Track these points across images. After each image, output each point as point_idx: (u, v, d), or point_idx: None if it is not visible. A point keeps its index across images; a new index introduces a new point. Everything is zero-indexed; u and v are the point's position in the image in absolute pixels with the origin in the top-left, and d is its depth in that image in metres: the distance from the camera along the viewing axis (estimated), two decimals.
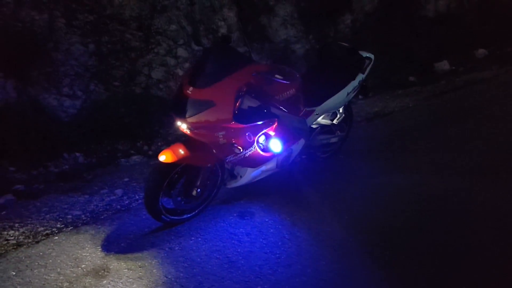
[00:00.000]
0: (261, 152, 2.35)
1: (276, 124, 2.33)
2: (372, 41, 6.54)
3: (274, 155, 2.48)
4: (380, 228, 2.24)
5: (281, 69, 2.35)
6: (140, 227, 2.50)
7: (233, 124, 2.14)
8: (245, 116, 2.14)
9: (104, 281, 1.99)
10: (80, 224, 2.61)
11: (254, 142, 2.29)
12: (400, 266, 1.92)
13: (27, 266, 2.15)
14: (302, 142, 2.68)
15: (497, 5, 8.06)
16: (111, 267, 2.10)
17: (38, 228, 2.59)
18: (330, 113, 2.93)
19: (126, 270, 2.07)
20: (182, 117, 2.12)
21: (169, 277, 1.99)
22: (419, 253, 1.99)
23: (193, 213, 2.52)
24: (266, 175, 2.64)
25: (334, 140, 3.07)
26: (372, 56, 3.05)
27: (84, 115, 4.17)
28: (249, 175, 2.51)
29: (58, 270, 2.10)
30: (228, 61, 2.17)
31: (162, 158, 2.16)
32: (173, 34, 5.07)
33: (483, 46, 7.44)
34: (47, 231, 2.54)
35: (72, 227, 2.57)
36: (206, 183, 2.42)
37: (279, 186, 2.86)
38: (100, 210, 2.81)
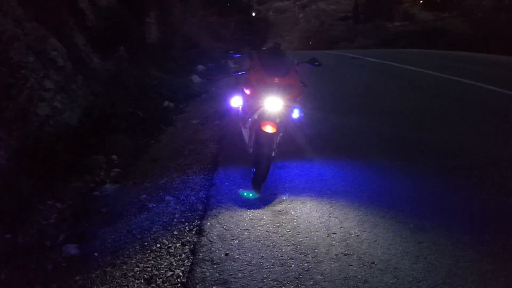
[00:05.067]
0: None
1: None
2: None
3: None
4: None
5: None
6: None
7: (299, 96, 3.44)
8: None
9: (293, 212, 2.97)
10: (202, 212, 3.07)
11: None
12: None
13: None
14: None
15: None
16: (279, 209, 3.02)
17: (177, 227, 2.83)
18: None
19: (299, 205, 3.06)
20: (279, 96, 3.10)
21: (329, 206, 3.07)
22: None
23: None
24: None
25: None
26: None
27: (18, 161, 3.50)
28: None
29: (252, 229, 2.82)
30: (286, 57, 3.49)
31: (269, 130, 3.05)
32: (33, 66, 4.67)
33: None
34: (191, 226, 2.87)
35: (201, 213, 3.06)
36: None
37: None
38: (187, 208, 3.16)
